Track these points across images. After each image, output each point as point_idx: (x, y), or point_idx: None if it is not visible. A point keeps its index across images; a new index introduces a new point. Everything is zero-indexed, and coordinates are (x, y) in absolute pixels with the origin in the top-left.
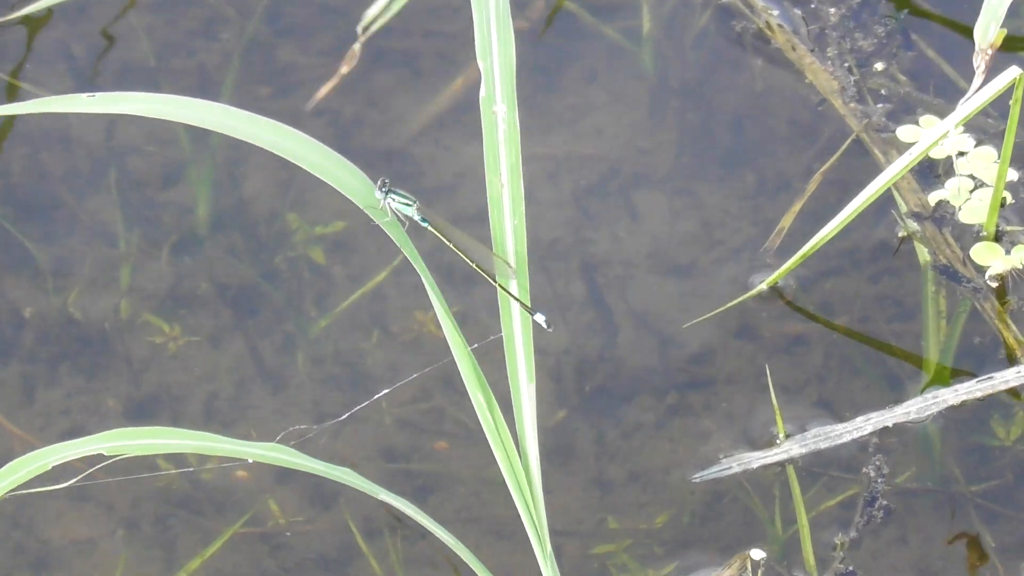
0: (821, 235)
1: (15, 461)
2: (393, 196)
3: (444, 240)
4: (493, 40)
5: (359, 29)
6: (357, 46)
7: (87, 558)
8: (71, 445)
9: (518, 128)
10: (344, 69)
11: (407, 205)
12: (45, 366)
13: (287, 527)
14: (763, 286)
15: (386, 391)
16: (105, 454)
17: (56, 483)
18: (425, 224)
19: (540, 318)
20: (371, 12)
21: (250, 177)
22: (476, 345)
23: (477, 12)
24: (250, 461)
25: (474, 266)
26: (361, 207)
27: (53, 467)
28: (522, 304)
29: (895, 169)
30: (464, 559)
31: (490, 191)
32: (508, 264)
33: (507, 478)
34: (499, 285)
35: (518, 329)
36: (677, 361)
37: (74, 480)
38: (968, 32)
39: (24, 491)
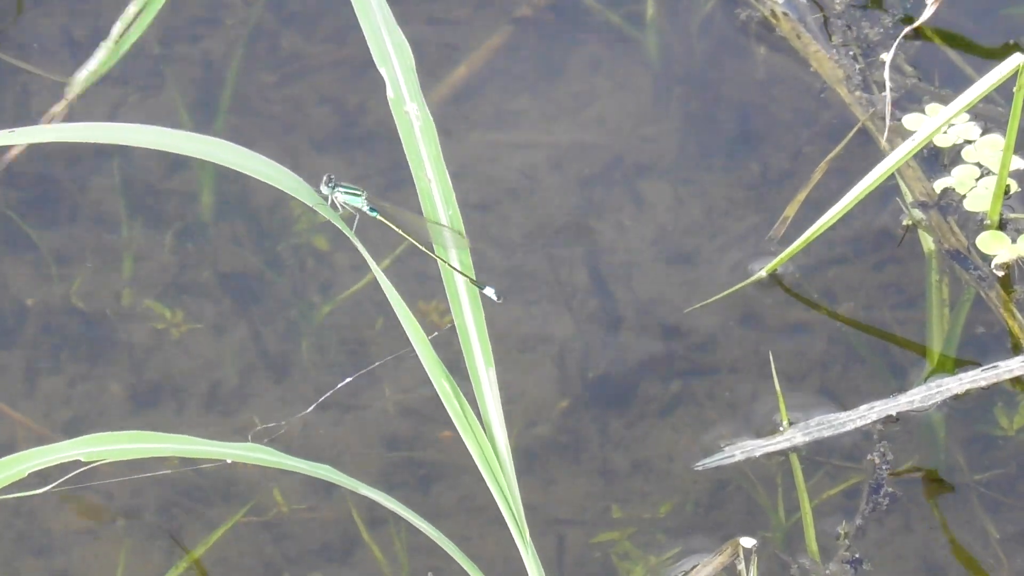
0: (824, 219)
1: None
2: (340, 189)
3: (395, 229)
4: (388, 46)
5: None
6: None
7: (88, 547)
8: (47, 450)
9: (432, 123)
10: None
11: (356, 196)
12: (47, 353)
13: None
14: (763, 273)
15: (348, 379)
16: (83, 460)
17: (40, 486)
18: (374, 214)
19: (490, 291)
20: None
21: None
22: (435, 334)
23: (366, 23)
24: (229, 462)
25: (423, 248)
26: (310, 205)
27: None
28: (468, 277)
29: (897, 155)
30: (450, 553)
31: (419, 186)
32: (461, 235)
33: (479, 463)
34: (439, 258)
35: (467, 309)
36: (681, 349)
37: (53, 485)
38: (971, 28)
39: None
